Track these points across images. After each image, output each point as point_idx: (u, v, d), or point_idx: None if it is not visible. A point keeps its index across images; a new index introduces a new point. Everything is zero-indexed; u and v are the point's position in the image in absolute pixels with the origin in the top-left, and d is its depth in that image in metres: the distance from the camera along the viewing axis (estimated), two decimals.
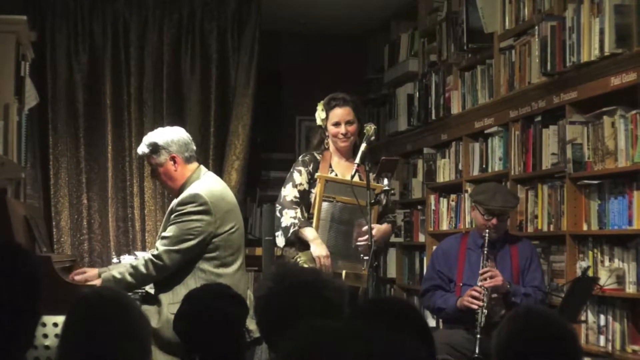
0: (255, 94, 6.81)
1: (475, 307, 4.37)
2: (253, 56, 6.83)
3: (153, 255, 4.01)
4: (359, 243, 4.31)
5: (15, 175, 5.02)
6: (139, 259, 4.07)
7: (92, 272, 4.20)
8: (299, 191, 4.41)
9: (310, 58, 7.85)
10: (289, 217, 4.35)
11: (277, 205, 4.45)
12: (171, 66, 6.79)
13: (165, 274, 4.01)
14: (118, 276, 4.02)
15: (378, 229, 4.31)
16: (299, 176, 4.44)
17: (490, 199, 4.52)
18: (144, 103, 6.76)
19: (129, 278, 4.01)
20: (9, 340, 1.70)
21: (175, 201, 4.10)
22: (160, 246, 4.01)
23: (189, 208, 4.02)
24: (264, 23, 6.92)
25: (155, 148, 4.14)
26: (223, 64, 6.84)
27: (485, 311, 4.34)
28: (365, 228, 4.21)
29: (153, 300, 4.05)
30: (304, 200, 4.41)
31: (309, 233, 4.32)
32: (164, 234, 4.05)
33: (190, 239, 4.00)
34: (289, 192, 4.42)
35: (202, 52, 6.83)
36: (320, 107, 4.53)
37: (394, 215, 4.69)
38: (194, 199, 4.03)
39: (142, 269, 4.00)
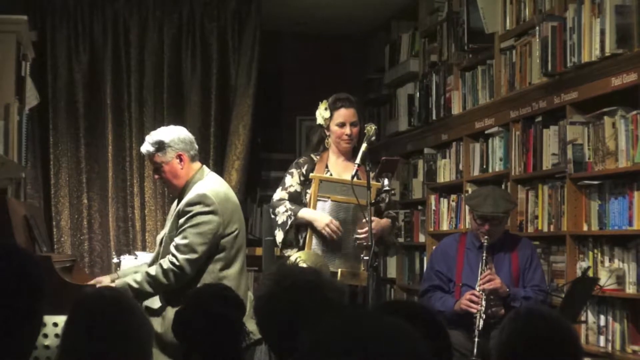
0: (255, 93, 6.81)
1: (474, 310, 4.36)
2: (253, 56, 6.83)
3: (174, 265, 3.92)
4: (357, 236, 4.33)
5: (16, 175, 5.03)
6: (157, 267, 3.96)
7: (105, 279, 4.17)
8: (288, 193, 4.47)
9: (311, 58, 7.85)
10: (281, 214, 4.41)
11: (270, 208, 4.51)
12: (171, 66, 6.79)
13: (185, 282, 3.95)
14: (135, 285, 3.93)
15: (378, 221, 4.33)
16: (290, 178, 4.49)
17: (481, 204, 4.49)
18: (145, 103, 6.76)
19: (147, 287, 3.93)
20: (11, 343, 1.69)
21: (183, 202, 4.05)
22: (179, 255, 3.93)
23: (198, 209, 3.98)
24: (264, 23, 6.92)
25: (161, 146, 4.10)
26: (223, 64, 6.84)
27: (483, 315, 4.33)
28: (365, 223, 4.22)
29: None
30: (294, 202, 4.44)
31: (305, 213, 4.37)
32: (179, 241, 3.96)
33: (205, 243, 3.95)
34: (276, 195, 4.51)
35: (202, 52, 6.83)
36: (323, 106, 4.52)
37: (396, 211, 4.71)
38: (202, 199, 3.99)
39: (163, 279, 3.92)
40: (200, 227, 3.96)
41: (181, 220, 4.00)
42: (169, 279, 3.93)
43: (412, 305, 2.27)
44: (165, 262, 3.95)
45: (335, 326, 1.32)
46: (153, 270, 3.96)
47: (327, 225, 4.31)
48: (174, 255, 3.95)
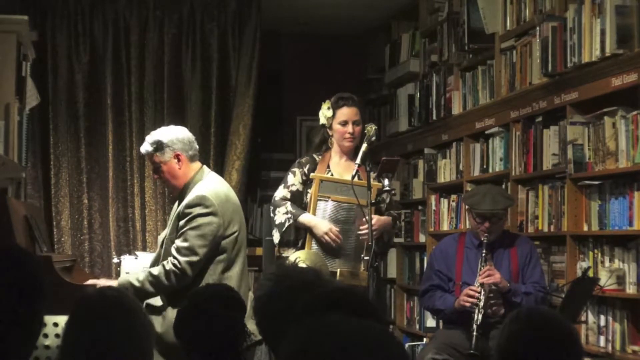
0: (255, 94, 6.81)
1: (469, 304, 4.37)
2: (254, 56, 6.83)
3: (176, 267, 3.94)
4: (360, 232, 4.33)
5: (16, 175, 5.03)
6: (159, 268, 3.99)
7: (104, 281, 4.27)
8: (290, 192, 4.48)
9: (311, 58, 7.85)
10: (281, 214, 4.42)
11: (271, 206, 4.52)
12: (172, 66, 6.79)
13: (186, 284, 3.97)
14: (137, 284, 3.96)
15: (378, 218, 4.34)
16: (292, 177, 4.50)
17: (480, 202, 4.50)
18: (145, 103, 6.76)
19: (149, 287, 3.96)
20: (12, 343, 1.69)
21: (182, 204, 4.05)
22: (180, 257, 3.94)
23: (197, 210, 3.98)
24: (264, 23, 6.91)
25: (159, 146, 4.11)
26: (223, 64, 6.84)
27: (482, 309, 4.34)
28: (365, 220, 4.23)
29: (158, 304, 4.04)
30: (295, 201, 4.45)
31: (306, 219, 4.38)
32: (179, 243, 3.97)
33: (206, 245, 3.96)
34: (279, 192, 4.51)
35: (202, 52, 6.82)
36: (326, 105, 4.53)
37: (397, 212, 4.72)
38: (202, 201, 3.99)
39: (164, 280, 3.94)
40: (200, 229, 3.96)
41: (181, 222, 4.00)
42: (170, 280, 3.94)
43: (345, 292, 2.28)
44: (168, 264, 3.97)
45: (313, 334, 1.31)
46: (156, 271, 3.98)
47: (326, 233, 4.33)
48: (175, 258, 3.96)
